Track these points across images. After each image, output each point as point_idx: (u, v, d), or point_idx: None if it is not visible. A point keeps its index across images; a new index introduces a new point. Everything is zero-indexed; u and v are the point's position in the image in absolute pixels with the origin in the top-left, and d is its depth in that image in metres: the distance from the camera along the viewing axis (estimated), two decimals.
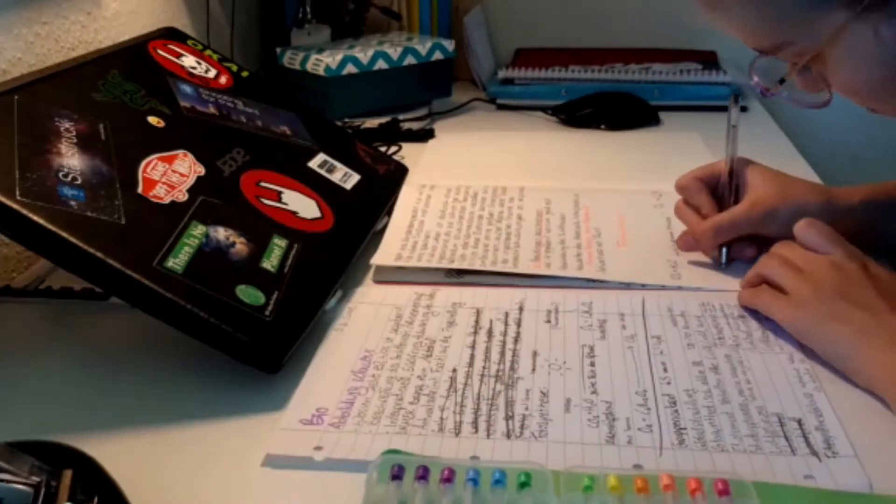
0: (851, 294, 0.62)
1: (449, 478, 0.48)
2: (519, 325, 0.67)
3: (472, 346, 0.64)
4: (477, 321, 0.68)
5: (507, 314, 0.69)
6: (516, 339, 0.65)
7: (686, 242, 0.78)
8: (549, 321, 0.68)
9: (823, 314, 0.62)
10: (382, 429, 0.55)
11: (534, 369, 0.61)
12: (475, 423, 0.55)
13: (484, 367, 0.62)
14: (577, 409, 0.57)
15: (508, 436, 0.54)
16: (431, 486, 0.48)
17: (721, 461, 0.51)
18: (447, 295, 0.72)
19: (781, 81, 0.68)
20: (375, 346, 0.65)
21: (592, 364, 0.62)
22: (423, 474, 0.48)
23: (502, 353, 0.63)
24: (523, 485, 0.47)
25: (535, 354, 0.63)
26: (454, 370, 0.61)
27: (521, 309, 0.70)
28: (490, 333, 0.66)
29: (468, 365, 0.62)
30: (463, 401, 0.58)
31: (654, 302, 0.70)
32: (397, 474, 0.48)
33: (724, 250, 0.76)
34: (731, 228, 0.75)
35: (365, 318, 0.69)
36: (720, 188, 0.79)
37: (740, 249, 0.76)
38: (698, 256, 0.78)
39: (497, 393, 0.58)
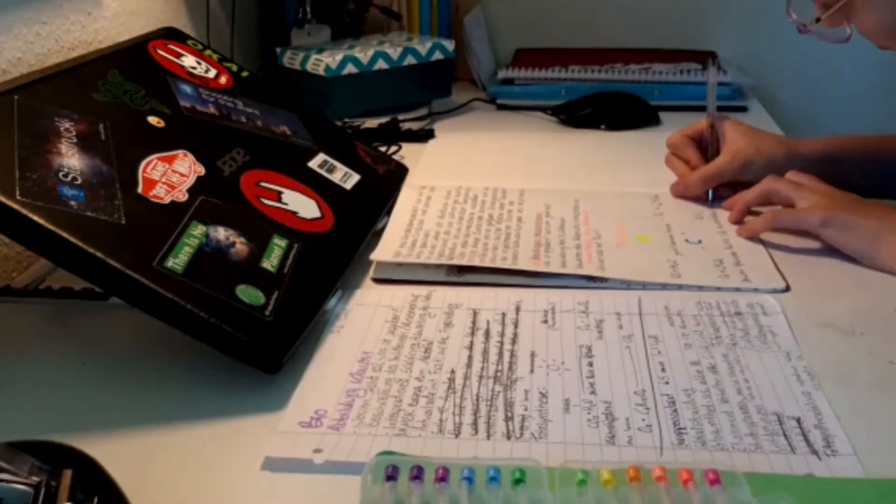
0: (858, 202, 0.79)
1: (444, 477, 0.48)
2: (516, 325, 0.67)
3: (470, 348, 0.64)
4: (474, 322, 0.68)
5: (504, 315, 0.69)
6: (514, 340, 0.65)
7: (678, 190, 0.94)
8: (546, 321, 0.68)
9: (846, 207, 0.77)
10: (382, 431, 0.55)
11: (532, 370, 0.61)
12: (475, 425, 0.55)
13: (482, 369, 0.62)
14: (577, 409, 0.57)
15: (508, 437, 0.54)
16: (426, 486, 0.48)
17: (721, 460, 0.51)
18: (444, 296, 0.72)
19: (817, 20, 0.81)
20: (373, 347, 0.65)
21: (591, 364, 0.62)
22: (417, 474, 0.48)
23: (500, 354, 0.63)
24: (518, 481, 0.47)
25: (532, 355, 0.63)
26: (452, 371, 0.61)
27: (517, 309, 0.70)
28: (487, 334, 0.66)
29: (466, 366, 0.62)
30: (462, 402, 0.58)
31: (650, 301, 0.70)
32: (392, 475, 0.48)
33: (710, 193, 0.92)
34: (716, 177, 0.92)
35: (362, 319, 0.69)
36: (703, 142, 0.96)
37: (722, 193, 0.92)
38: (698, 258, 0.79)
39: (496, 394, 0.58)
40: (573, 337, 0.66)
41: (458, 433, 0.54)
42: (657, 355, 0.63)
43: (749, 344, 0.64)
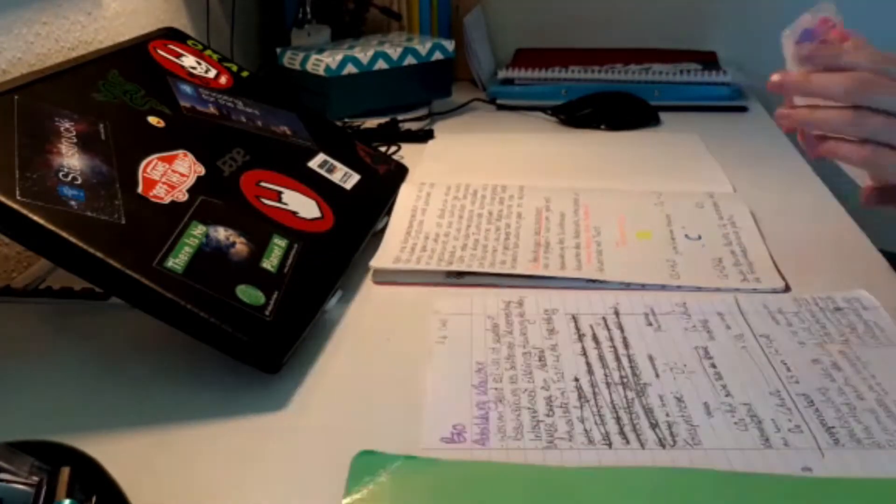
0: None
1: None
2: (622, 329, 0.66)
3: (584, 353, 0.63)
4: (577, 327, 0.67)
5: (604, 319, 0.68)
6: (625, 344, 0.64)
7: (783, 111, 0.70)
8: (650, 325, 0.67)
9: None
10: (529, 444, 0.53)
11: (657, 374, 0.60)
12: (622, 434, 0.54)
13: (605, 375, 0.60)
14: (718, 412, 0.56)
15: (663, 445, 0.53)
16: None
17: (883, 458, 0.51)
18: (536, 301, 0.71)
19: None
20: (485, 358, 0.63)
21: (713, 366, 0.61)
22: None
23: (617, 360, 0.62)
24: None
25: (650, 358, 0.62)
26: (576, 379, 0.60)
27: (616, 313, 0.69)
28: (596, 340, 0.65)
29: (588, 373, 0.61)
30: (599, 410, 0.57)
31: (746, 300, 0.70)
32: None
33: None
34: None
35: (461, 329, 0.67)
36: None
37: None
38: (697, 257, 0.78)
39: (630, 401, 0.58)
40: (683, 338, 0.65)
41: (610, 443, 0.53)
42: (775, 355, 0.62)
43: (860, 340, 0.63)
